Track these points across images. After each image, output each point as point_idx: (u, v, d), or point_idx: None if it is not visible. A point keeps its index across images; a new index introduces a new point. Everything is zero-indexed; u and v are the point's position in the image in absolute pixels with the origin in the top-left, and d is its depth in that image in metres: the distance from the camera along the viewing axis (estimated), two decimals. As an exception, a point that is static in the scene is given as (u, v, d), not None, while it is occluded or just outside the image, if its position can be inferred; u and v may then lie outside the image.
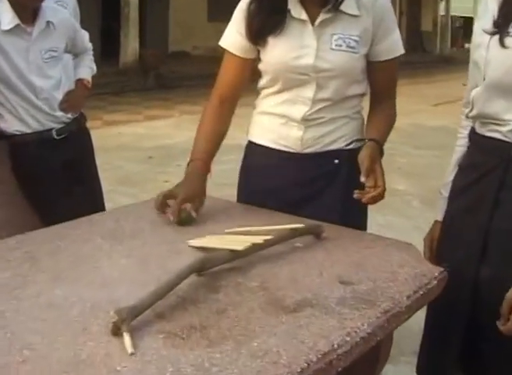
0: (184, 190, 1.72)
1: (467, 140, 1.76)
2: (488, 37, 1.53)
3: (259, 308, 1.20)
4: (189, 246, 1.50)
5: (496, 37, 1.51)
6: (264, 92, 1.90)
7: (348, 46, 1.75)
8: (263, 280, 1.32)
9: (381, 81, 1.85)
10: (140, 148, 7.28)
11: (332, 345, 1.08)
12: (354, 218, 1.83)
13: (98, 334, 1.08)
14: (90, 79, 2.61)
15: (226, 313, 1.17)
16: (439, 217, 1.82)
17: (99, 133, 6.20)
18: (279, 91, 1.84)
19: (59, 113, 2.35)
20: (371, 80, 1.85)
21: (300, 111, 1.81)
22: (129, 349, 1.02)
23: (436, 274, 1.40)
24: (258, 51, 1.84)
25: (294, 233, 1.52)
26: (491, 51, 1.53)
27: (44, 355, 1.01)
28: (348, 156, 1.81)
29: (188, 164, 1.83)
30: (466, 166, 1.72)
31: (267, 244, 1.43)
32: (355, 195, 1.58)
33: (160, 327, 1.11)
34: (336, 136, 1.84)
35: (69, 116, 2.40)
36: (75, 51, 2.57)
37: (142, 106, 10.70)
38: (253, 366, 0.99)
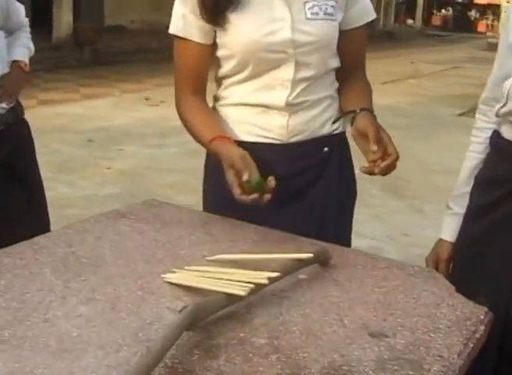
0: (236, 160, 1.41)
1: (484, 146, 1.50)
2: None
3: (279, 383, 0.89)
4: (165, 282, 1.18)
5: None
6: (227, 81, 1.61)
7: (325, 13, 1.51)
8: (272, 335, 1.02)
9: (354, 50, 1.65)
10: (79, 131, 6.83)
11: None
12: (348, 211, 1.67)
13: None
14: (27, 61, 2.22)
15: (236, 395, 0.87)
16: (447, 236, 1.61)
17: (35, 114, 5.75)
18: (249, 78, 1.56)
19: (-7, 101, 1.97)
20: (342, 50, 1.61)
21: (280, 96, 1.54)
22: None
23: (482, 317, 1.13)
24: (215, 35, 1.55)
25: (299, 265, 1.22)
26: None
27: None
28: (337, 142, 1.61)
29: (210, 146, 1.53)
30: (489, 180, 1.47)
31: (270, 283, 1.12)
32: (363, 170, 1.37)
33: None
34: (323, 119, 1.60)
35: (4, 105, 2.02)
36: (8, 27, 2.18)
37: (78, 84, 10.18)
38: None
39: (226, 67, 1.58)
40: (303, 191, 1.60)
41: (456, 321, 1.10)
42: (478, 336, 1.07)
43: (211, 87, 1.65)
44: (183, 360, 0.93)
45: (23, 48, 2.22)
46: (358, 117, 1.46)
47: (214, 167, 1.58)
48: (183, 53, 1.58)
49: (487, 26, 33.77)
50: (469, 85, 12.30)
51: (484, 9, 35.63)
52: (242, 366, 0.93)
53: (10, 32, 2.21)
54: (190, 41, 1.55)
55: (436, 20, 38.26)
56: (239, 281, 1.09)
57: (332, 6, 1.52)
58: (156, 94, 9.42)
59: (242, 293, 1.04)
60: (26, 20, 2.28)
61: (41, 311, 1.06)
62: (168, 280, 1.17)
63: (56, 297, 1.11)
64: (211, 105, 1.66)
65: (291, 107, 1.55)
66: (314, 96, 1.57)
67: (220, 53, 1.57)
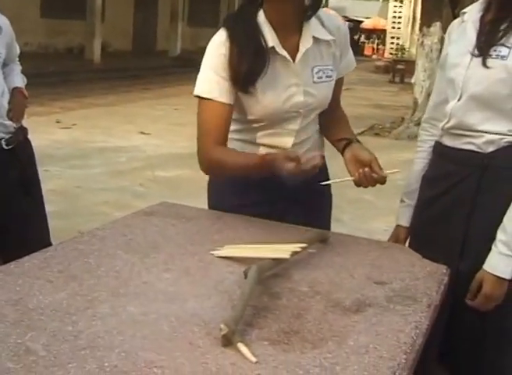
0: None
1: (427, 153, 2.01)
2: (469, 58, 1.78)
3: (328, 311, 1.32)
4: (215, 256, 1.58)
5: (477, 58, 1.75)
6: (241, 125, 1.90)
7: (327, 76, 1.87)
8: (310, 285, 1.45)
9: (336, 94, 1.97)
10: None
11: (412, 337, 1.24)
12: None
13: (209, 347, 1.15)
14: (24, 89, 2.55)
15: (304, 318, 1.29)
16: (403, 222, 2.07)
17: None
18: (262, 128, 1.88)
19: (8, 122, 2.29)
20: None
21: (287, 141, 1.88)
22: (253, 358, 1.10)
23: (444, 271, 1.61)
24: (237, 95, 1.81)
25: (311, 241, 1.65)
26: (472, 70, 1.78)
27: (178, 372, 1.07)
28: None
29: (261, 164, 1.72)
30: (434, 177, 1.96)
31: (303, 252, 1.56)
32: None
33: (258, 335, 1.20)
34: (313, 147, 1.96)
35: (15, 125, 2.35)
36: (7, 59, 2.50)
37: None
38: (366, 362, 1.12)
39: (243, 117, 1.86)
40: (292, 208, 1.92)
41: (429, 273, 1.58)
42: (445, 282, 1.55)
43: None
44: (258, 301, 1.34)
45: (20, 77, 2.55)
46: (356, 147, 1.81)
47: (220, 184, 1.97)
48: (211, 113, 1.80)
49: (373, 49, 35.59)
50: (363, 106, 13.17)
51: (369, 34, 37.52)
52: (300, 303, 1.35)
53: (6, 63, 2.53)
54: (219, 102, 1.77)
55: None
56: (274, 250, 1.52)
57: (331, 69, 1.87)
58: (66, 117, 9.63)
59: (287, 256, 1.47)
60: (18, 53, 2.61)
61: (135, 277, 1.44)
62: (218, 255, 1.58)
63: (140, 268, 1.49)
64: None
65: (294, 147, 1.88)
66: (308, 135, 1.93)
67: (240, 108, 1.84)
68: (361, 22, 39.50)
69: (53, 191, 5.68)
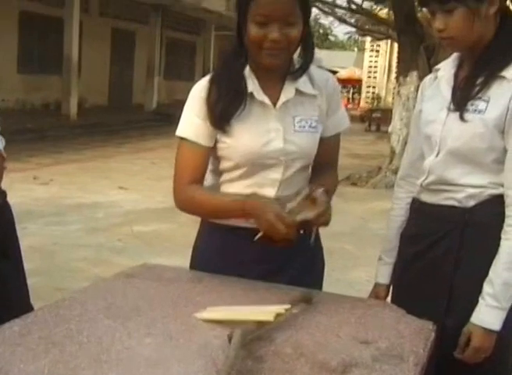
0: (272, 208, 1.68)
1: (404, 210, 2.03)
2: (445, 114, 1.82)
3: (313, 373, 1.32)
4: (198, 319, 1.57)
5: (454, 113, 1.80)
6: (224, 176, 1.92)
7: (310, 126, 1.87)
8: (294, 347, 1.44)
9: (328, 153, 1.97)
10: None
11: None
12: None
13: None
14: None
15: (290, 382, 1.28)
16: (382, 280, 2.09)
17: None
18: (244, 176, 1.88)
19: (-13, 186, 2.28)
20: (319, 152, 1.92)
21: (270, 192, 1.86)
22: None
23: (430, 327, 1.61)
24: (217, 138, 1.86)
25: (294, 302, 1.64)
26: (449, 125, 1.82)
27: None
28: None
29: (244, 208, 1.74)
30: (414, 235, 1.97)
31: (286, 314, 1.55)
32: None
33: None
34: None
35: (-8, 189, 2.33)
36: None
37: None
38: None
39: (223, 165, 1.88)
40: (283, 268, 1.92)
41: (415, 330, 1.58)
42: (432, 339, 1.55)
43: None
44: (242, 365, 1.33)
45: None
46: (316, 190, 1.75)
47: (204, 248, 1.98)
48: (189, 153, 1.86)
49: (348, 99, 36.15)
50: (340, 155, 13.23)
51: (345, 84, 38.16)
52: (284, 366, 1.34)
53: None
54: (196, 143, 1.84)
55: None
56: (257, 313, 1.51)
57: (316, 121, 1.87)
58: (43, 173, 9.62)
59: (270, 318, 1.46)
60: None
61: (117, 343, 1.42)
62: (201, 318, 1.57)
63: (122, 333, 1.47)
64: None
65: (277, 200, 1.80)
66: (292, 190, 1.85)
67: (220, 153, 1.86)
68: (337, 72, 40.22)
69: (31, 248, 5.63)
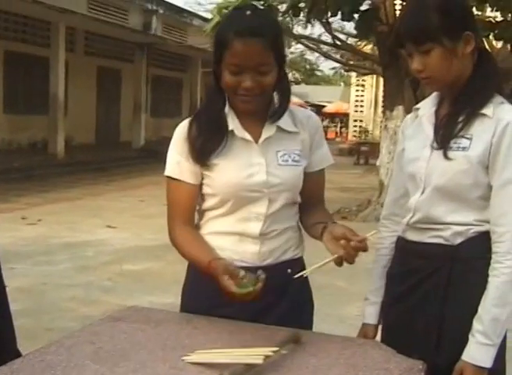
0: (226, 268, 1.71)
1: (389, 249, 2.04)
2: (429, 151, 1.85)
3: (304, 417, 1.31)
4: (187, 362, 1.56)
5: (438, 151, 1.82)
6: (209, 214, 1.96)
7: (293, 160, 1.92)
8: (283, 390, 1.44)
9: (314, 189, 2.01)
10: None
11: None
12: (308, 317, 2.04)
13: None
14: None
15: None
16: (369, 320, 2.08)
17: None
18: (228, 212, 1.91)
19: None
20: (305, 189, 1.97)
21: (255, 227, 1.89)
22: None
23: (420, 367, 1.61)
24: (202, 176, 1.92)
25: (281, 345, 1.63)
26: (433, 162, 1.84)
27: None
28: (298, 264, 1.98)
29: (208, 267, 1.77)
30: (401, 273, 1.98)
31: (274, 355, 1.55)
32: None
33: None
34: (288, 246, 1.97)
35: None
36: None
37: None
38: None
39: (209, 202, 1.93)
40: (272, 307, 1.91)
41: (405, 370, 1.58)
42: (421, 379, 1.55)
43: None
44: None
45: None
46: (331, 226, 1.79)
47: (194, 287, 1.98)
48: (177, 192, 1.92)
49: (336, 133, 36.43)
50: (328, 189, 12.90)
51: (332, 118, 38.52)
52: (274, 410, 1.34)
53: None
54: (182, 182, 1.91)
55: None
56: (246, 355, 1.51)
57: (299, 155, 1.92)
58: (31, 213, 9.58)
59: (259, 361, 1.46)
60: None
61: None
62: (190, 361, 1.56)
63: (107, 382, 1.47)
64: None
65: (263, 236, 1.90)
66: (281, 226, 1.93)
67: (205, 190, 1.92)
68: (324, 107, 40.63)
69: (19, 288, 5.61)
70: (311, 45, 16.05)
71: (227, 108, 1.92)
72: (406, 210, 1.94)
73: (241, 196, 1.88)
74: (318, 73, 56.56)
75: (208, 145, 1.87)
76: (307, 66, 49.68)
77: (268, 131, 1.91)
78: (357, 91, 28.77)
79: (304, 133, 1.97)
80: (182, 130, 1.94)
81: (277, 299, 1.92)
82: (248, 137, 1.90)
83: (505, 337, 1.82)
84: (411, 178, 1.92)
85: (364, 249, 1.70)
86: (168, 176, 1.94)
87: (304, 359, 1.62)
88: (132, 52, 20.71)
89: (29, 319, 4.56)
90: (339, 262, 1.71)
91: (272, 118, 1.92)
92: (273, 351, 1.53)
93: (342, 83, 50.79)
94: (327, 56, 16.91)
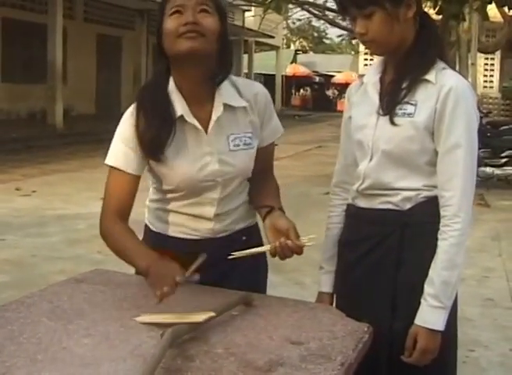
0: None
1: (341, 218, 2.13)
2: (375, 118, 1.94)
3: (239, 371, 1.42)
4: (138, 322, 1.67)
5: (384, 117, 1.91)
6: (163, 194, 2.03)
7: (245, 144, 1.97)
8: (225, 347, 1.54)
9: (266, 160, 2.09)
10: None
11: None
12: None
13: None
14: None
15: (214, 379, 1.38)
16: (325, 289, 2.18)
17: None
18: (183, 197, 1.98)
19: None
20: (255, 163, 2.02)
21: (209, 211, 1.99)
22: None
23: (366, 329, 1.72)
24: (147, 164, 1.96)
25: (231, 306, 1.74)
26: (380, 129, 1.93)
27: None
28: (252, 232, 2.10)
29: (145, 269, 1.85)
30: (353, 241, 2.07)
31: (217, 316, 1.65)
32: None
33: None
34: (241, 218, 2.07)
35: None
36: None
37: None
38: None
39: (163, 186, 1.98)
40: (227, 274, 2.03)
41: (349, 332, 1.68)
42: (364, 340, 1.66)
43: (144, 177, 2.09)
44: (171, 363, 1.44)
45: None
46: (276, 215, 1.89)
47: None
48: (115, 182, 1.94)
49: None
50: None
51: (341, 88, 38.29)
52: (212, 365, 1.45)
53: None
54: (121, 171, 1.91)
55: (295, 100, 40.73)
56: (192, 316, 1.62)
57: (250, 137, 1.96)
58: (26, 184, 9.71)
59: (200, 320, 1.57)
60: None
61: (56, 344, 1.53)
62: (141, 321, 1.67)
63: (61, 334, 1.58)
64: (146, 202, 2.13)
65: (217, 216, 1.99)
66: (234, 204, 2.02)
67: (158, 177, 1.98)
68: (332, 76, 40.40)
69: (8, 260, 5.76)
70: (316, 12, 16.00)
71: (172, 88, 1.93)
72: (355, 177, 2.03)
73: (194, 186, 1.95)
74: (327, 41, 56.24)
75: (158, 140, 1.88)
76: (315, 34, 49.31)
77: (216, 111, 1.92)
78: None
79: (252, 112, 1.99)
80: (129, 118, 1.94)
81: (233, 266, 2.01)
82: (197, 124, 1.91)
83: (456, 301, 1.92)
84: (359, 145, 2.01)
85: (299, 254, 1.84)
86: (111, 166, 1.95)
87: (253, 320, 1.73)
88: (132, 19, 20.71)
89: (16, 291, 4.66)
90: (272, 253, 1.85)
91: (219, 89, 1.93)
92: (218, 313, 1.64)
93: (352, 52, 50.48)
94: (333, 24, 16.84)
